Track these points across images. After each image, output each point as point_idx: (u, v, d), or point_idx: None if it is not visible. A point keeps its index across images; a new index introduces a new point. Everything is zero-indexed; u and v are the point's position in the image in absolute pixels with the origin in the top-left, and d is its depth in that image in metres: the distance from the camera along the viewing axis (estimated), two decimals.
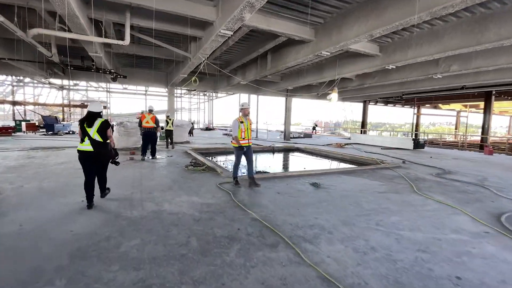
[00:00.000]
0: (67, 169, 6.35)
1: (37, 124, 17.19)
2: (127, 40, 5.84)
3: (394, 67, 8.32)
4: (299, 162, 9.84)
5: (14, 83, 31.55)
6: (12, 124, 17.46)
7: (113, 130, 6.40)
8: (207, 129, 27.89)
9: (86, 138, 3.63)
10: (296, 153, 12.00)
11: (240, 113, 5.32)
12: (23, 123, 16.76)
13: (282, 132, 29.13)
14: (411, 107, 22.78)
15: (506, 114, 25.71)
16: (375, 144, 14.31)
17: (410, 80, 11.20)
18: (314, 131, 23.42)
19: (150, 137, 7.84)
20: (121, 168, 6.11)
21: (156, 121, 7.98)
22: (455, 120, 26.64)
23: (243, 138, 5.18)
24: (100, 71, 8.58)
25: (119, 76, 8.94)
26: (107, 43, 8.20)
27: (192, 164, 6.82)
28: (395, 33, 7.26)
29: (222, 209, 3.86)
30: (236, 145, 5.20)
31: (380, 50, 8.14)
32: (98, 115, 3.77)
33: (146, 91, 36.75)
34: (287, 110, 17.20)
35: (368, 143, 14.63)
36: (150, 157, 8.01)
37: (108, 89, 36.97)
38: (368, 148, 13.16)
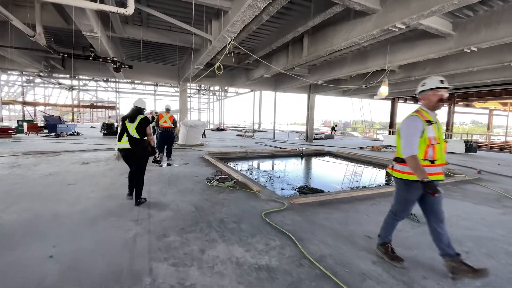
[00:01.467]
0: (53, 184, 4.67)
1: (39, 124, 15.75)
2: (130, 8, 4.12)
3: (469, 50, 6.36)
4: (342, 172, 7.97)
5: (25, 83, 30.67)
6: (14, 124, 16.09)
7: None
8: (218, 129, 26.24)
9: (125, 135, 3.50)
10: (329, 159, 10.12)
11: (422, 106, 2.28)
12: (25, 124, 15.35)
13: (297, 132, 27.25)
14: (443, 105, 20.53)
15: None
16: None
17: (463, 72, 9.20)
18: (334, 131, 21.43)
19: (168, 137, 7.32)
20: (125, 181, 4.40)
21: (174, 121, 7.45)
22: (486, 119, 24.23)
23: (434, 162, 2.15)
24: (101, 60, 6.92)
25: (123, 66, 7.26)
26: (107, 26, 6.53)
27: (217, 178, 5.03)
28: (484, 2, 5.35)
29: None
30: (409, 177, 2.19)
31: (454, 28, 6.20)
32: (141, 111, 3.66)
33: (155, 91, 35.59)
34: (310, 108, 15.32)
35: None
36: (166, 159, 7.44)
37: (118, 90, 36.12)
38: None
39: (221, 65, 5.49)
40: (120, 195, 4.07)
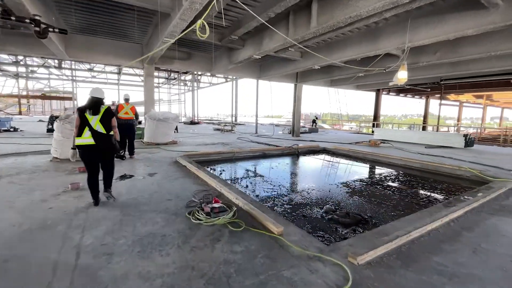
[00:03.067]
0: None
1: None
2: None
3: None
4: (356, 176, 6.36)
5: None
6: None
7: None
8: (192, 123, 23.62)
9: (86, 129, 3.01)
10: (329, 157, 8.51)
11: None
12: None
13: (278, 125, 25.60)
14: (421, 97, 20.24)
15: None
16: (410, 141, 11.24)
17: (467, 59, 8.08)
18: (315, 124, 20.12)
19: (129, 130, 6.32)
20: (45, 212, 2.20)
21: (136, 113, 6.64)
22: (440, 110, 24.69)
23: None
24: (13, 19, 4.35)
25: (51, 30, 4.75)
26: None
27: (205, 206, 2.99)
28: None
29: None
30: None
31: None
32: (102, 102, 3.22)
33: (118, 80, 31.53)
34: (297, 99, 13.61)
35: (400, 139, 11.55)
36: (129, 156, 6.37)
37: (74, 78, 31.26)
38: (407, 147, 10.05)
39: (206, 24, 3.37)
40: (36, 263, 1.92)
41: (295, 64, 9.99)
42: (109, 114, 3.20)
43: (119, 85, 32.09)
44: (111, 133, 3.23)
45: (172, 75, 30.21)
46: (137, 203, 3.38)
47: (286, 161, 7.77)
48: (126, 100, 6.60)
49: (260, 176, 5.89)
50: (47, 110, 39.07)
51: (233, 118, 28.51)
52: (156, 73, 25.04)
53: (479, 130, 19.67)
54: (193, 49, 9.91)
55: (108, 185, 3.39)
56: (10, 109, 33.66)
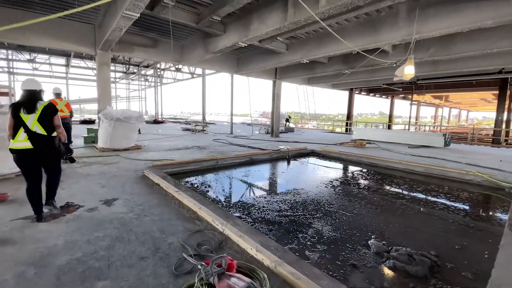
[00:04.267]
0: None
1: None
2: None
3: None
4: (362, 186, 5.46)
5: None
6: None
7: None
8: (156, 122, 21.21)
9: (21, 130, 2.47)
10: (321, 161, 7.58)
11: None
12: None
13: (249, 125, 24.38)
14: (387, 97, 20.81)
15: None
16: (391, 140, 10.97)
17: (457, 57, 7.83)
18: (288, 123, 19.42)
19: (66, 129, 4.91)
20: None
21: (71, 110, 5.95)
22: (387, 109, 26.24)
23: None
24: None
25: None
26: None
27: (214, 283, 1.64)
28: None
29: None
30: None
31: None
32: (38, 96, 2.65)
33: (66, 73, 27.28)
34: (276, 97, 12.55)
35: (380, 139, 11.23)
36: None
37: (12, 70, 26.14)
38: (390, 147, 9.68)
39: None
40: None
41: (280, 58, 8.86)
42: (49, 112, 2.63)
43: (68, 79, 27.79)
44: (54, 134, 2.69)
45: (131, 68, 27.13)
46: (84, 270, 1.89)
47: (279, 167, 6.63)
48: (57, 95, 5.67)
49: (259, 191, 4.63)
50: None
51: (203, 116, 26.60)
52: (112, 67, 21.91)
53: (437, 129, 20.96)
54: (161, 34, 8.16)
55: (51, 195, 2.87)
56: None
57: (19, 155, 2.52)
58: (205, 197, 3.66)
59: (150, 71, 27.14)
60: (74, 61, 22.01)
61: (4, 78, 27.90)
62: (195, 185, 4.75)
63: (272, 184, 5.16)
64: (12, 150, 2.51)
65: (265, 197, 4.24)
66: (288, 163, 7.18)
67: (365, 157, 7.26)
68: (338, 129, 18.98)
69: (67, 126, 5.64)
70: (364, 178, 5.81)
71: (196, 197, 3.34)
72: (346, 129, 17.56)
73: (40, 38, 6.74)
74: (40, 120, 2.54)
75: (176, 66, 22.42)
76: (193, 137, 11.43)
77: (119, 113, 7.00)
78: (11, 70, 26.18)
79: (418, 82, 11.91)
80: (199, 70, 22.82)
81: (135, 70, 27.95)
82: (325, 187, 4.93)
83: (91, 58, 17.89)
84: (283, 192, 4.56)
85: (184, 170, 5.50)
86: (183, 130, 15.29)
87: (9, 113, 2.54)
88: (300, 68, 11.28)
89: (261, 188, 4.80)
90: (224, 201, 4.04)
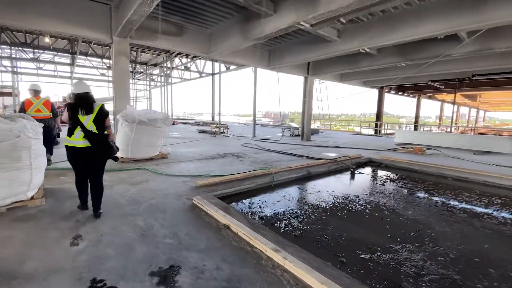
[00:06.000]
0: None
1: None
2: None
3: None
4: (482, 217, 3.97)
5: None
6: None
7: None
8: None
9: (78, 129, 2.62)
10: (394, 175, 6.11)
11: None
12: None
13: (263, 125, 22.85)
14: (414, 96, 19.26)
15: None
16: (443, 145, 9.44)
17: None
18: None
19: (46, 133, 3.53)
20: None
21: (53, 109, 4.96)
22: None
23: None
24: None
25: None
26: None
27: None
28: None
29: None
30: None
31: None
32: (92, 97, 2.79)
33: (71, 72, 25.96)
34: (308, 95, 11.08)
35: (428, 143, 9.69)
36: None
37: (15, 70, 24.89)
38: (451, 153, 8.19)
39: None
40: None
41: (327, 47, 7.37)
42: (104, 113, 2.78)
43: (72, 79, 26.50)
44: (106, 132, 2.81)
45: (137, 67, 25.89)
46: None
47: (346, 184, 5.16)
48: (36, 92, 4.85)
49: (346, 222, 3.18)
50: None
51: (212, 117, 25.20)
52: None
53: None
54: (188, 19, 6.72)
55: (97, 205, 2.80)
56: None
57: (74, 151, 2.67)
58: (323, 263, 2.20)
59: (156, 71, 25.84)
60: (79, 61, 20.70)
61: (7, 78, 26.70)
62: (268, 217, 3.30)
63: (359, 211, 3.69)
64: (67, 147, 2.68)
65: (386, 248, 2.78)
66: (353, 176, 5.71)
67: (449, 169, 5.77)
68: (355, 130, 17.42)
69: (49, 133, 4.77)
70: (482, 203, 4.30)
71: (314, 264, 1.88)
72: (376, 130, 16.04)
73: (45, 21, 5.30)
74: (95, 120, 2.69)
75: (185, 65, 21.01)
76: (216, 141, 10.00)
77: (142, 114, 5.57)
78: (15, 69, 25.05)
79: (474, 78, 10.40)
80: (207, 69, 21.45)
81: (142, 70, 26.68)
82: (430, 216, 3.46)
83: (97, 55, 16.48)
84: (398, 237, 3.10)
85: (237, 191, 4.06)
86: (199, 132, 13.85)
87: (66, 111, 2.69)
88: (338, 61, 9.80)
89: (350, 220, 3.34)
90: (315, 242, 2.58)
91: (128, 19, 5.03)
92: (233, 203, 3.75)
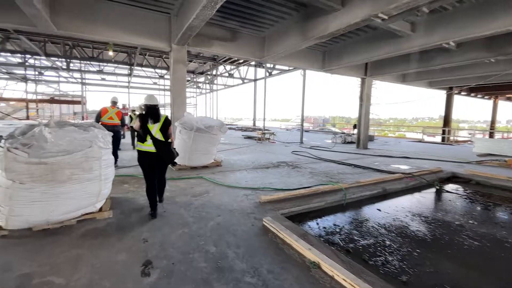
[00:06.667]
0: None
1: None
2: None
3: None
4: None
5: None
6: None
7: None
8: None
9: (148, 137, 2.94)
10: (494, 195, 4.93)
11: None
12: None
13: (307, 131, 21.89)
14: (489, 98, 16.47)
15: None
16: None
17: None
18: (356, 130, 16.48)
19: (115, 136, 4.56)
20: None
21: (122, 118, 5.57)
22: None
23: None
24: None
25: None
26: None
27: None
28: None
29: None
30: None
31: None
32: (158, 109, 3.10)
33: (128, 82, 28.67)
34: (366, 98, 10.08)
35: None
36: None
37: (83, 81, 28.61)
38: None
39: None
40: None
41: (399, 44, 6.44)
42: (168, 123, 3.13)
43: (130, 88, 29.24)
44: (169, 140, 3.13)
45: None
46: None
47: (444, 208, 4.23)
48: (114, 103, 5.58)
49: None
50: (57, 114, 36.31)
51: (253, 122, 25.17)
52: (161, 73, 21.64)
53: None
54: (243, 23, 6.50)
55: (161, 193, 3.41)
56: (19, 113, 30.82)
57: (143, 155, 3.00)
58: None
59: (202, 78, 26.89)
60: (135, 71, 22.55)
61: (77, 88, 30.64)
62: (356, 249, 2.70)
63: (498, 258, 2.83)
64: (139, 152, 3.03)
65: None
66: (439, 196, 4.72)
67: None
68: (406, 135, 15.35)
69: (118, 135, 5.38)
70: None
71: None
72: (443, 137, 13.99)
73: (109, 32, 5.54)
74: (161, 129, 3.02)
75: (229, 72, 21.32)
76: (264, 148, 9.62)
77: (199, 121, 5.44)
78: (83, 81, 28.67)
79: None
80: (250, 75, 21.47)
81: (189, 78, 28.05)
82: None
83: (150, 66, 17.63)
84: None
85: (306, 210, 3.52)
86: (244, 138, 13.70)
87: (137, 120, 2.99)
88: (402, 60, 8.64)
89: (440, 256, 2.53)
90: None
91: (189, 25, 4.94)
92: (306, 226, 3.22)
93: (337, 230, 3.15)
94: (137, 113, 8.80)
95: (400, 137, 21.63)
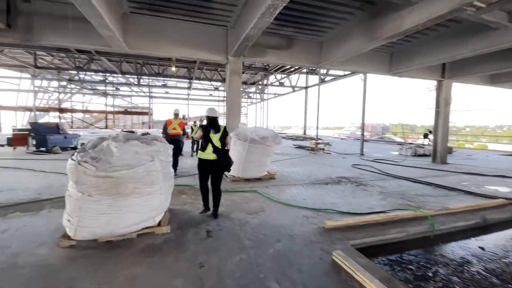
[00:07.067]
0: None
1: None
2: None
3: None
4: None
5: (60, 89, 27.94)
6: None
7: None
8: None
9: (209, 145, 3.24)
10: None
11: None
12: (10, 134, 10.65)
13: (365, 141, 20.09)
14: None
15: None
16: None
17: None
18: (428, 140, 14.26)
19: (176, 145, 4.94)
20: None
21: (184, 128, 6.26)
22: None
23: None
24: None
25: None
26: None
27: None
28: None
29: None
30: None
31: None
32: (218, 120, 3.41)
33: (188, 95, 31.27)
34: (445, 103, 8.60)
35: None
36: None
37: (150, 94, 32.59)
38: None
39: None
40: None
41: (492, 38, 5.24)
42: (226, 133, 3.39)
43: (189, 100, 31.84)
44: (227, 148, 3.38)
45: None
46: None
47: None
48: (176, 115, 6.14)
49: None
50: (129, 124, 41.79)
51: (304, 131, 24.35)
52: (213, 84, 22.46)
53: None
54: (300, 29, 6.19)
55: (216, 208, 3.36)
56: (100, 123, 36.42)
57: (204, 162, 3.29)
58: None
59: (252, 89, 27.41)
60: (194, 85, 24.27)
61: (145, 101, 34.97)
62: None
63: None
64: (200, 159, 3.32)
65: None
66: None
67: None
68: (489, 146, 12.29)
69: (179, 145, 5.82)
70: None
71: None
72: None
73: (172, 47, 5.86)
74: (221, 138, 3.31)
75: (280, 81, 21.12)
76: (319, 159, 8.96)
77: (254, 132, 5.25)
78: (150, 94, 32.55)
79: None
80: (301, 82, 20.89)
81: (241, 88, 28.71)
82: None
83: (206, 79, 18.63)
84: None
85: (381, 241, 2.89)
86: (295, 147, 13.18)
87: (200, 130, 3.33)
88: (492, 57, 7.08)
89: None
90: None
91: (246, 35, 4.85)
92: (385, 265, 2.61)
93: (429, 274, 2.46)
94: (198, 124, 9.27)
95: (481, 148, 18.10)
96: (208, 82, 21.55)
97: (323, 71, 15.44)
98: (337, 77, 15.35)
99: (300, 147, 13.32)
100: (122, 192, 2.52)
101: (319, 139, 15.00)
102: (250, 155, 5.11)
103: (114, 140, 2.69)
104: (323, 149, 11.46)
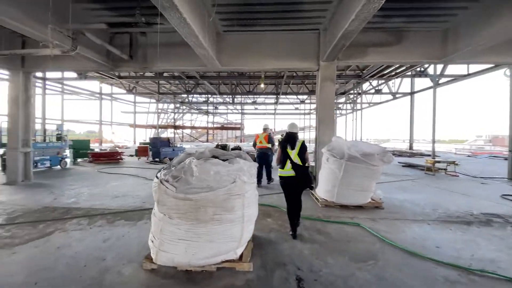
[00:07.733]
0: None
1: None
2: None
3: None
4: None
5: (175, 110, 34.54)
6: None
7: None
8: None
9: (288, 162, 3.17)
10: None
11: None
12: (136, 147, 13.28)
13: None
14: None
15: None
16: None
17: None
18: None
19: (264, 158, 6.04)
20: None
21: (270, 139, 6.15)
22: None
23: None
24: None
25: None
26: None
27: None
28: None
29: None
30: None
31: None
32: (297, 136, 3.36)
33: (275, 110, 32.18)
34: None
35: None
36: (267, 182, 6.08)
37: (242, 111, 35.80)
38: None
39: None
40: None
41: None
42: (305, 148, 3.26)
43: (275, 114, 32.78)
44: (307, 164, 3.25)
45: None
46: None
47: None
48: (264, 130, 6.38)
49: None
50: (225, 137, 46.78)
51: (410, 145, 20.20)
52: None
53: None
54: (413, 18, 4.86)
55: (297, 218, 3.24)
56: (203, 137, 42.23)
57: (285, 180, 3.22)
58: None
59: (342, 99, 25.31)
60: (280, 99, 24.58)
61: (238, 117, 38.55)
62: None
63: None
64: (281, 177, 3.25)
65: None
66: None
67: None
68: None
69: (266, 157, 6.07)
70: None
71: None
72: None
73: (261, 60, 5.65)
74: (299, 154, 3.20)
75: (376, 88, 18.43)
76: (442, 184, 6.72)
77: (352, 147, 4.23)
78: (242, 111, 35.61)
79: None
80: (405, 88, 17.53)
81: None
82: None
83: (293, 93, 18.37)
84: None
85: None
86: (403, 166, 10.75)
87: (279, 148, 3.29)
88: None
89: None
90: None
91: (343, 33, 4.06)
92: None
93: None
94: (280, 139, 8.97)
95: None
96: (294, 96, 21.33)
97: (437, 72, 12.43)
98: (457, 78, 12.01)
99: (409, 165, 10.80)
100: (201, 218, 2.17)
101: (436, 156, 11.87)
102: (348, 177, 4.13)
103: (197, 157, 2.43)
104: (445, 169, 8.78)
